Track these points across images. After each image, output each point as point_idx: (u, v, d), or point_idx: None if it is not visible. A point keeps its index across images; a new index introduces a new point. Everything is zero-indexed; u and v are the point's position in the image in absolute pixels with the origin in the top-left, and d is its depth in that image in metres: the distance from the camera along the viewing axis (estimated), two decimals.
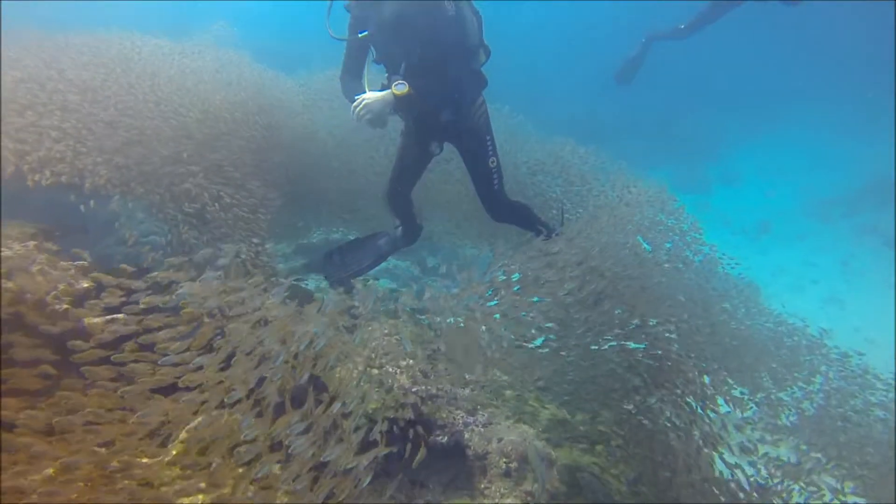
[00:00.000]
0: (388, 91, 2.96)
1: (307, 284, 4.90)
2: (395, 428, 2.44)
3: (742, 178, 12.37)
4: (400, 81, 2.97)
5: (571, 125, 13.37)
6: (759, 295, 7.40)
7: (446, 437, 2.66)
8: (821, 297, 7.63)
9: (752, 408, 2.78)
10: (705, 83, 17.37)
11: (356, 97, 3.02)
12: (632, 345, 2.28)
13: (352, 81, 3.26)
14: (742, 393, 2.73)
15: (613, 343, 2.27)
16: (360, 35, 3.12)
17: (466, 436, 2.70)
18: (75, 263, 1.94)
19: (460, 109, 3.26)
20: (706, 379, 2.65)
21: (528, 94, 13.55)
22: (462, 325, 2.41)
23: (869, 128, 12.14)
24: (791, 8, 5.98)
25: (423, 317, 4.00)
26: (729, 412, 2.58)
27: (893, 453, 2.71)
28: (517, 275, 2.12)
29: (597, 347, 2.40)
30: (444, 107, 3.25)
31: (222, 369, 1.45)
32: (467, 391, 2.34)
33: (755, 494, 2.40)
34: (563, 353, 2.28)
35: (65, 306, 1.70)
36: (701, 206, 11.12)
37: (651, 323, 2.32)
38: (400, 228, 3.78)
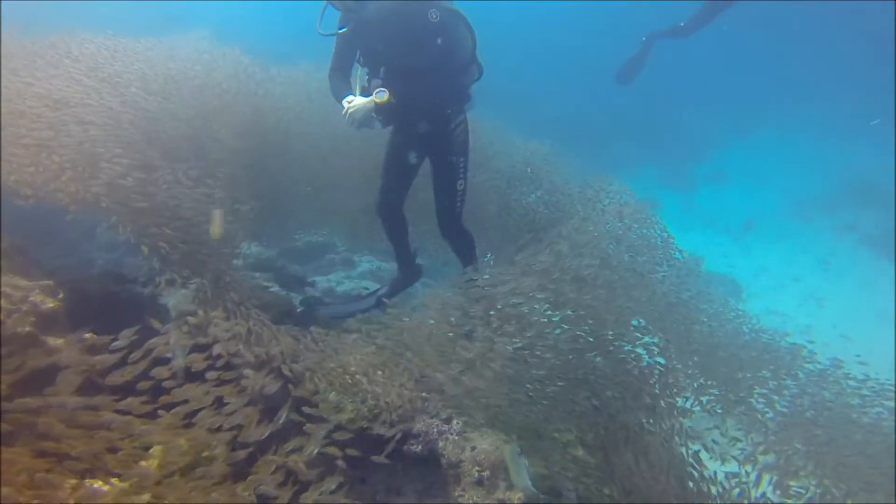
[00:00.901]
0: (371, 98, 2.98)
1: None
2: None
3: (728, 178, 12.51)
4: (381, 88, 2.99)
5: (558, 124, 13.42)
6: (739, 295, 7.48)
7: (421, 446, 2.69)
8: (800, 295, 7.76)
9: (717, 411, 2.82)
10: (694, 83, 17.48)
11: (344, 100, 3.05)
12: (596, 357, 2.33)
13: (338, 80, 3.25)
14: (710, 400, 2.78)
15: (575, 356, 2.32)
16: (339, 31, 3.11)
17: (441, 444, 2.73)
18: (40, 283, 1.94)
19: (438, 122, 3.26)
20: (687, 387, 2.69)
21: (513, 94, 13.56)
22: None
23: (853, 127, 12.30)
24: None
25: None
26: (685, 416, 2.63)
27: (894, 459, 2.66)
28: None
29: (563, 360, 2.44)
30: (422, 117, 3.25)
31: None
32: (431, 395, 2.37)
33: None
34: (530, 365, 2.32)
35: (27, 329, 1.71)
36: (686, 205, 11.24)
37: (613, 333, 2.38)
38: (397, 273, 3.81)
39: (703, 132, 14.57)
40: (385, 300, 3.74)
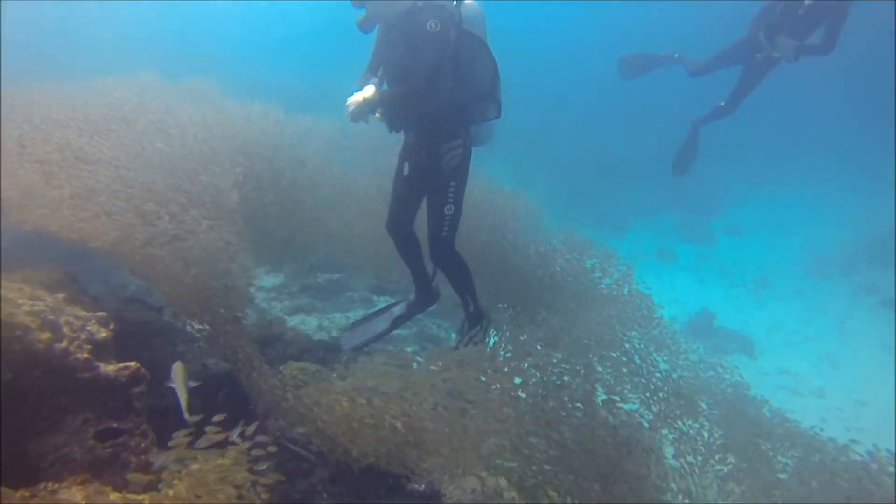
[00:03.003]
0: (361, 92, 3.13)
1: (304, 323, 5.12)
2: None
3: (745, 230, 12.54)
4: (372, 83, 3.14)
5: (578, 165, 13.69)
6: (751, 351, 7.38)
7: (423, 485, 2.83)
8: (815, 355, 7.65)
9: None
10: (713, 133, 17.64)
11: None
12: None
13: (364, 77, 3.32)
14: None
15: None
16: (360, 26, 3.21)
17: (443, 485, 2.86)
18: (96, 315, 2.20)
19: (425, 136, 3.24)
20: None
21: (536, 127, 13.82)
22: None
23: (868, 185, 12.34)
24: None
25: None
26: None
27: None
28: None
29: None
30: (409, 127, 3.31)
31: None
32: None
33: None
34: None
35: (85, 356, 1.95)
36: (702, 257, 11.27)
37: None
38: (413, 292, 3.73)
39: (720, 183, 14.65)
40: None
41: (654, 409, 2.81)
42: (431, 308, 3.84)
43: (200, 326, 3.18)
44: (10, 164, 2.96)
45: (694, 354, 3.46)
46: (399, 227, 3.50)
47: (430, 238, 3.35)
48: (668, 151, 15.36)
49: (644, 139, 15.55)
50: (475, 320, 3.46)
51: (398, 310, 3.82)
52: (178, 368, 2.29)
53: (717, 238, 12.39)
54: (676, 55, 6.99)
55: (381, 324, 3.81)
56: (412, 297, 3.76)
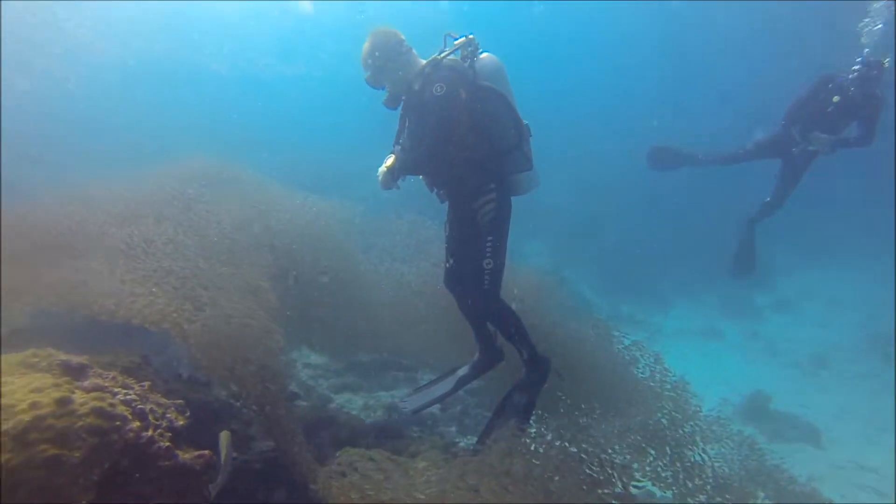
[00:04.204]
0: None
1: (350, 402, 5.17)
2: None
3: (794, 307, 12.03)
4: (395, 152, 3.31)
5: (621, 240, 13.68)
6: (818, 440, 6.80)
7: None
8: None
9: None
10: (755, 200, 17.30)
11: None
12: None
13: (394, 148, 3.43)
14: None
15: None
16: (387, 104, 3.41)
17: None
18: (174, 403, 2.37)
19: (456, 196, 3.33)
20: None
21: (580, 211, 13.95)
22: None
23: None
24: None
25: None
26: None
27: None
28: None
29: None
30: (440, 187, 3.39)
31: None
32: None
33: None
34: None
35: (166, 444, 2.10)
36: (751, 335, 10.82)
37: None
38: (477, 353, 3.70)
39: (766, 256, 14.23)
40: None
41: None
42: (494, 368, 3.77)
43: (250, 406, 3.33)
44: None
45: (744, 446, 3.34)
46: (454, 282, 3.50)
47: (469, 291, 3.40)
48: (711, 224, 15.24)
49: (687, 213, 15.54)
50: (533, 367, 3.39)
51: (462, 371, 3.79)
52: (222, 438, 2.40)
53: (765, 314, 11.93)
54: (700, 156, 7.18)
55: (445, 386, 3.80)
56: (476, 356, 3.73)
